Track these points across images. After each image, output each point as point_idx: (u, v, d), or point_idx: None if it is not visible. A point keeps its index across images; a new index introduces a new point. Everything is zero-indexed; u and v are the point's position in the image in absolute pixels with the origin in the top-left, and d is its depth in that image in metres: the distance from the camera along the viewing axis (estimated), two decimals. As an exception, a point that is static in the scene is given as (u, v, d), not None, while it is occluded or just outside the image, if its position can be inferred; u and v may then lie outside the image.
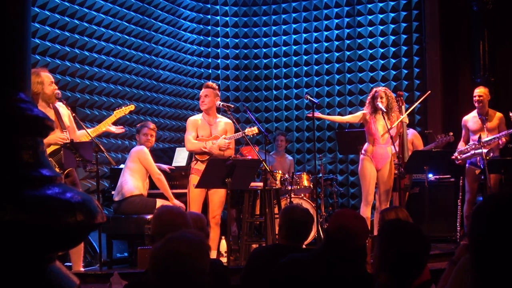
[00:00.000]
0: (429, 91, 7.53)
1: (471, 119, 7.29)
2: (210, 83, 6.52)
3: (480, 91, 7.21)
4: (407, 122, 6.93)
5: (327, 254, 2.79)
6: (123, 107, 6.12)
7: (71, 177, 5.42)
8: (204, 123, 6.30)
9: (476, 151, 6.95)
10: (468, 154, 7.07)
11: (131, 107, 6.21)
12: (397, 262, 2.35)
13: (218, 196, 6.18)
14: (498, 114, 7.20)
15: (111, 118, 5.93)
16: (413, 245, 2.35)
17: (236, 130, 6.36)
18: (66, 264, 5.66)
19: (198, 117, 6.38)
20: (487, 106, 7.22)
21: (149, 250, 2.20)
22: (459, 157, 7.11)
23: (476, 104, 7.21)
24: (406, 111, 6.91)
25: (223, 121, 6.38)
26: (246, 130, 6.37)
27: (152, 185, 6.52)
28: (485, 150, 6.83)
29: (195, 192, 6.08)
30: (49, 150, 5.28)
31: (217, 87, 6.44)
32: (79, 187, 5.61)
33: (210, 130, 6.27)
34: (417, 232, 2.41)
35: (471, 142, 7.14)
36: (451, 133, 7.30)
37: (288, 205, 6.55)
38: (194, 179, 6.07)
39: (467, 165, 7.27)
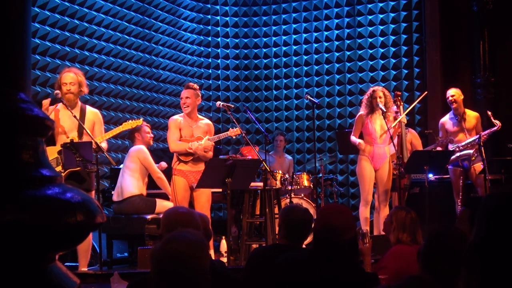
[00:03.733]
0: (426, 92, 7.55)
1: (448, 121, 7.29)
2: (191, 83, 6.37)
3: (452, 92, 7.22)
4: (406, 122, 6.93)
5: (318, 253, 2.80)
6: (131, 121, 6.11)
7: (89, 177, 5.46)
8: (186, 123, 6.18)
9: (462, 153, 6.97)
10: (454, 156, 7.05)
11: (139, 121, 6.18)
12: (440, 263, 2.42)
13: (204, 196, 6.13)
14: (475, 114, 7.21)
15: (119, 129, 5.94)
16: (458, 252, 2.38)
17: (217, 131, 6.36)
18: (66, 264, 5.66)
19: (179, 117, 6.23)
20: (462, 107, 7.21)
21: (149, 250, 2.20)
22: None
23: (451, 106, 7.21)
24: (404, 111, 6.92)
25: (203, 122, 6.28)
26: (229, 131, 6.35)
27: (152, 185, 6.52)
28: (470, 151, 6.86)
29: (181, 194, 6.03)
30: (56, 149, 5.32)
31: (198, 87, 6.32)
32: (92, 188, 5.61)
33: (192, 131, 6.17)
34: (463, 240, 2.46)
35: (452, 146, 7.12)
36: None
37: (288, 205, 6.55)
38: (178, 180, 6.03)
39: (449, 167, 7.25)
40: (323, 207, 3.14)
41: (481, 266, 2.04)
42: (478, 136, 6.87)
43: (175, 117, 6.27)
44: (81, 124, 5.41)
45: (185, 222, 2.89)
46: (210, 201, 6.20)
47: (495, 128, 6.97)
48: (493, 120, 6.96)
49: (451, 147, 7.12)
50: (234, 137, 6.47)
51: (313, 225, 6.97)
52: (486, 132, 6.99)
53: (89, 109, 5.62)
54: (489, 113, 7.00)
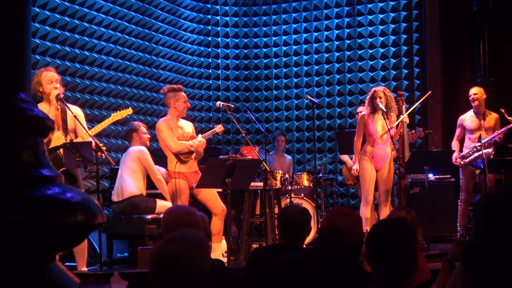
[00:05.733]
0: (430, 91, 7.56)
1: (468, 118, 7.33)
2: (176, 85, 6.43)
3: (475, 90, 7.28)
4: (408, 122, 6.94)
5: (321, 254, 2.79)
6: (120, 111, 6.08)
7: (74, 175, 5.44)
8: (174, 125, 6.16)
9: (479, 153, 6.96)
10: (472, 157, 7.08)
11: (129, 111, 6.14)
12: (382, 263, 2.32)
13: (210, 192, 6.09)
14: (494, 115, 7.23)
15: (109, 120, 5.91)
16: (397, 246, 2.31)
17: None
18: (66, 264, 5.66)
19: (166, 119, 6.21)
20: (484, 105, 7.26)
21: (149, 250, 2.20)
22: (461, 162, 7.13)
23: (472, 104, 7.25)
24: (406, 111, 6.93)
25: (186, 123, 6.33)
26: (215, 128, 6.46)
27: (152, 185, 6.51)
28: (489, 150, 6.87)
29: (185, 197, 5.99)
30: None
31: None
32: (81, 188, 5.62)
33: (178, 131, 6.18)
34: (402, 234, 2.36)
35: (471, 145, 7.13)
36: (421, 129, 7.48)
37: (287, 205, 6.55)
38: (181, 183, 5.98)
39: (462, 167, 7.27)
40: (332, 209, 3.13)
41: (479, 266, 2.04)
42: (477, 139, 6.89)
43: (162, 120, 6.22)
44: (78, 120, 5.40)
45: (186, 222, 2.88)
46: (216, 193, 6.17)
47: (511, 125, 6.99)
48: (507, 117, 6.98)
49: (459, 160, 7.14)
50: (220, 132, 6.56)
51: (316, 224, 6.99)
52: (502, 130, 7.01)
53: (68, 105, 5.52)
54: (503, 110, 7.02)
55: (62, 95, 5.38)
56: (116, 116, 5.96)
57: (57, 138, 5.40)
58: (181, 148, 6.08)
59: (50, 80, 5.40)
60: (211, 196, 6.10)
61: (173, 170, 6.05)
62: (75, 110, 5.52)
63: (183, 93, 6.25)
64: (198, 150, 6.10)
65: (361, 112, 7.01)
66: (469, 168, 7.20)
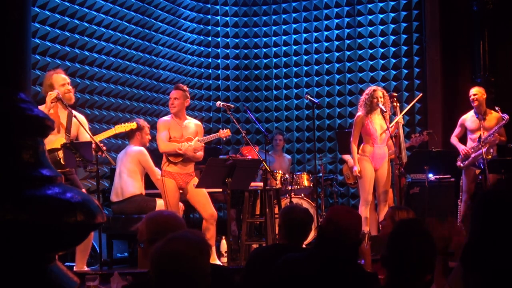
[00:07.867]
0: (421, 94, 7.64)
1: (469, 118, 7.34)
2: (180, 84, 6.30)
3: (475, 90, 7.27)
4: (402, 122, 6.95)
5: (321, 253, 2.79)
6: (124, 124, 6.09)
7: (71, 180, 5.42)
8: (175, 124, 6.09)
9: (477, 153, 6.98)
10: (470, 158, 7.09)
11: (133, 125, 6.15)
12: (404, 262, 2.33)
13: (202, 193, 6.03)
14: (496, 114, 7.22)
15: (111, 131, 5.93)
16: (422, 247, 2.33)
17: (217, 131, 6.33)
18: (66, 264, 5.66)
19: (168, 118, 6.17)
20: (484, 105, 7.25)
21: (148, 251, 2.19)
22: (461, 164, 7.14)
23: (472, 104, 7.25)
24: (401, 112, 6.96)
25: (193, 123, 6.20)
26: (219, 132, 6.25)
27: (152, 185, 6.51)
28: (484, 149, 6.87)
29: (171, 195, 5.93)
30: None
31: (187, 89, 6.23)
32: (81, 188, 5.62)
33: (182, 131, 6.09)
34: (426, 235, 2.39)
35: (469, 146, 7.15)
36: (425, 132, 7.41)
37: (288, 205, 6.55)
38: (167, 181, 5.93)
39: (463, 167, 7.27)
40: (334, 208, 3.11)
41: (477, 265, 2.04)
42: (477, 139, 6.90)
43: (164, 118, 6.21)
44: (82, 127, 5.41)
45: (175, 225, 2.80)
46: (208, 197, 6.09)
47: (503, 122, 7.00)
48: (501, 114, 7.00)
49: (459, 163, 7.15)
50: (224, 138, 6.35)
51: (316, 224, 6.99)
52: (495, 127, 7.01)
53: (73, 112, 5.56)
54: (497, 108, 7.05)
55: (60, 96, 5.39)
56: (120, 128, 5.99)
57: (59, 141, 5.41)
58: (168, 150, 6.00)
59: (63, 83, 5.45)
60: (200, 200, 6.01)
61: (162, 168, 6.06)
62: (80, 118, 5.55)
63: (173, 91, 6.17)
64: (187, 154, 5.95)
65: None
66: (471, 169, 7.19)
